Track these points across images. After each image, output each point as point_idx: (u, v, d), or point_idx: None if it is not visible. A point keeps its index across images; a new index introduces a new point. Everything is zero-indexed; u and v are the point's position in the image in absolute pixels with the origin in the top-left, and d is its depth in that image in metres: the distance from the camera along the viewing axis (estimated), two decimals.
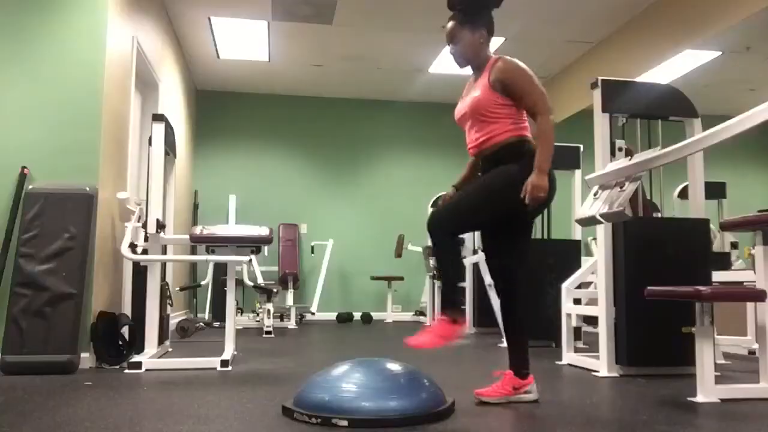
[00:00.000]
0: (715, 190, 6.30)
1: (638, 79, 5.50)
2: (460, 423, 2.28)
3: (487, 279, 6.01)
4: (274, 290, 6.44)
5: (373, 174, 9.13)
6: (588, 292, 4.39)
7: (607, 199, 3.23)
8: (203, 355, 4.23)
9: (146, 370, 3.57)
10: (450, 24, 2.65)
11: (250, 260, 6.30)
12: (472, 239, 6.83)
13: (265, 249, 7.83)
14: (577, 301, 4.31)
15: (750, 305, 4.48)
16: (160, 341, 4.01)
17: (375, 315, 8.55)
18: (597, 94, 3.76)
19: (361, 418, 2.20)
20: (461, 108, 2.73)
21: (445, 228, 2.55)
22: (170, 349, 4.56)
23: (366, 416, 2.20)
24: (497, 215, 2.61)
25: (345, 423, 2.19)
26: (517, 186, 2.51)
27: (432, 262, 7.02)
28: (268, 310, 6.17)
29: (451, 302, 2.55)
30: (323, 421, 2.22)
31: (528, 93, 2.57)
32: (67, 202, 3.74)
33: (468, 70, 2.76)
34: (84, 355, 3.68)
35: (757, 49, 6.58)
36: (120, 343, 3.86)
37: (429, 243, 7.80)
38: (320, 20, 6.41)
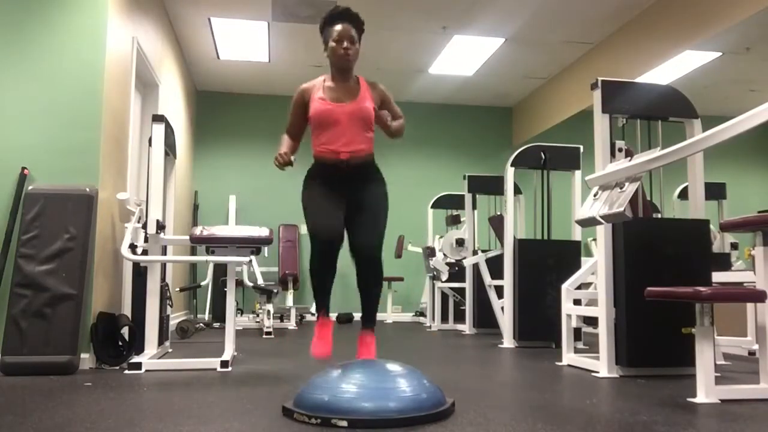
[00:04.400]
0: (715, 191, 6.30)
1: (638, 80, 5.51)
2: (460, 424, 2.27)
3: (487, 280, 6.01)
4: (274, 291, 6.44)
5: None
6: (588, 293, 4.39)
7: (607, 199, 3.23)
8: (203, 355, 4.23)
9: (146, 370, 3.57)
10: (351, 28, 2.88)
11: (250, 261, 6.30)
12: (472, 240, 6.82)
13: (265, 250, 7.80)
14: (577, 302, 4.31)
15: (750, 306, 4.48)
16: (160, 342, 4.00)
17: None
18: (597, 94, 3.76)
19: (361, 419, 2.19)
20: (342, 108, 2.79)
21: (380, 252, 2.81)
22: (170, 350, 4.55)
23: (366, 417, 2.20)
24: None
25: (344, 423, 2.18)
26: None
27: (431, 264, 7.02)
28: (268, 311, 6.16)
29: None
30: (323, 421, 2.22)
31: (396, 109, 2.99)
32: (67, 202, 3.74)
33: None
34: (84, 355, 3.68)
35: (757, 50, 6.58)
36: (120, 343, 3.86)
37: (429, 244, 7.82)
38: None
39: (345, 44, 2.82)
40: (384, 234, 2.81)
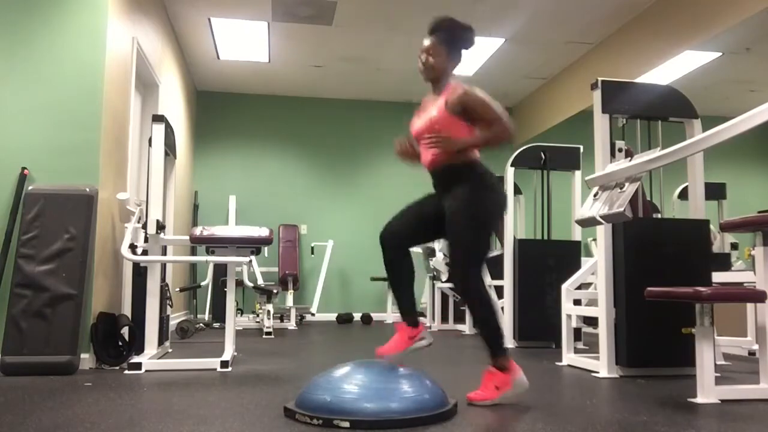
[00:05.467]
0: (715, 191, 6.30)
1: (638, 80, 5.51)
2: (462, 424, 2.27)
3: (487, 280, 6.02)
4: (274, 291, 6.44)
5: (372, 175, 9.13)
6: (588, 293, 4.39)
7: (607, 200, 3.23)
8: (203, 355, 4.23)
9: (146, 370, 3.57)
10: (431, 41, 2.85)
11: (250, 261, 6.31)
12: None
13: (265, 250, 7.83)
14: (577, 302, 4.32)
15: (750, 306, 4.48)
16: (160, 342, 4.00)
17: (375, 316, 8.55)
18: (597, 94, 3.76)
19: (363, 420, 2.19)
20: (422, 120, 2.84)
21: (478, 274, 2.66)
22: (170, 350, 4.55)
23: (368, 417, 2.19)
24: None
25: (347, 424, 2.18)
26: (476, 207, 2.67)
27: (431, 265, 7.02)
28: (268, 311, 6.17)
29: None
30: (325, 422, 2.21)
31: (486, 113, 2.69)
32: (67, 202, 3.74)
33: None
34: (84, 355, 3.68)
35: (757, 50, 6.59)
36: (120, 343, 3.86)
37: (429, 244, 7.81)
38: (320, 21, 6.41)
39: (421, 58, 2.86)
40: (467, 246, 2.61)
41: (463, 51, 2.92)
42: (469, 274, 2.62)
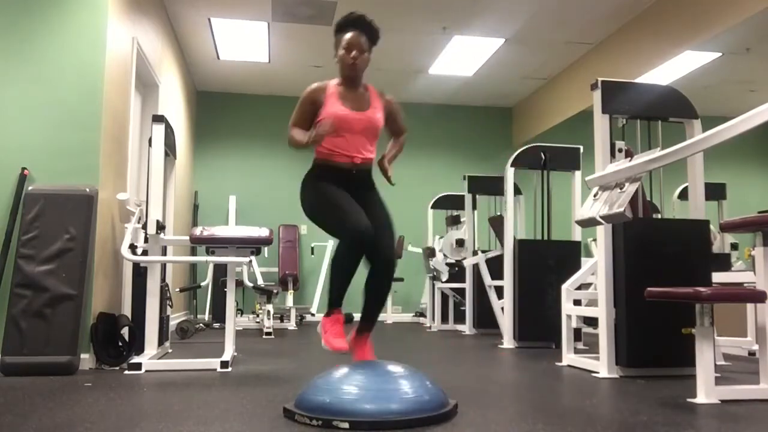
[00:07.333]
0: (715, 191, 6.30)
1: (638, 80, 5.51)
2: (460, 425, 2.27)
3: (487, 280, 6.01)
4: (274, 291, 6.44)
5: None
6: (588, 294, 4.39)
7: (607, 200, 3.23)
8: (203, 356, 4.22)
9: (146, 371, 3.57)
10: (361, 36, 2.79)
11: (250, 261, 6.30)
12: (472, 241, 6.83)
13: (265, 250, 7.79)
14: (577, 302, 4.31)
15: (750, 306, 4.48)
16: (160, 342, 4.00)
17: None
18: (597, 95, 3.76)
19: (363, 420, 2.19)
20: (358, 116, 2.77)
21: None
22: (170, 350, 4.55)
23: (367, 418, 2.19)
24: None
25: (346, 425, 2.18)
26: None
27: (431, 265, 7.02)
28: (268, 311, 6.17)
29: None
30: (324, 423, 2.21)
31: (402, 122, 3.02)
32: (67, 202, 3.74)
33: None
34: (84, 356, 3.68)
35: (757, 50, 6.59)
36: (120, 344, 3.86)
37: (429, 244, 7.82)
38: (320, 21, 6.41)
39: (353, 53, 2.75)
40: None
41: None
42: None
